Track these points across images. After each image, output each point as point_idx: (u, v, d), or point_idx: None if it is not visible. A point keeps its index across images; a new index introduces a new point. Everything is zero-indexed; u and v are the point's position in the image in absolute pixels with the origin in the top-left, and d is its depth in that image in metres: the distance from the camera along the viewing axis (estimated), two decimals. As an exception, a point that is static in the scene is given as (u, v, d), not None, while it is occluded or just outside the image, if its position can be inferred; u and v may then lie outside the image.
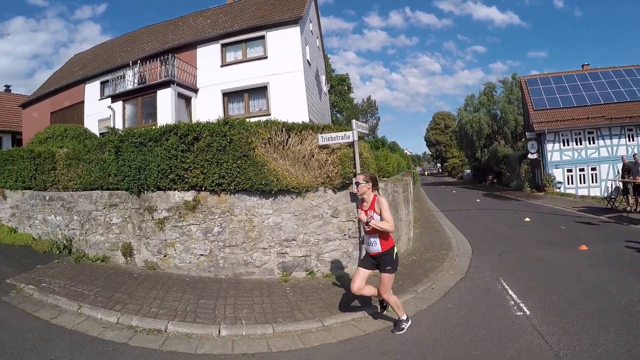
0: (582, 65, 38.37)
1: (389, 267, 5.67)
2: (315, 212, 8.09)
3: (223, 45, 21.48)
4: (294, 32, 19.91)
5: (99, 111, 23.81)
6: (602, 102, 32.52)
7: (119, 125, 20.50)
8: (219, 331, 5.70)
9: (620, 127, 31.23)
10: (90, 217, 9.64)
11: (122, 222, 9.14)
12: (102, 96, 24.55)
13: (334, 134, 8.11)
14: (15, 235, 11.46)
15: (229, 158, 7.89)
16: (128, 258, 9.01)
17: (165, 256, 8.57)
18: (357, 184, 5.90)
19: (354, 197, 8.05)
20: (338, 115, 51.03)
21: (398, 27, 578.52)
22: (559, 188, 31.66)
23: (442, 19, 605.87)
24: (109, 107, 21.67)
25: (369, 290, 5.93)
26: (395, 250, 5.74)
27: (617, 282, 7.47)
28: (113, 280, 7.89)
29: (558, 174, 32.36)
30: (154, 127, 8.90)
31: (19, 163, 11.71)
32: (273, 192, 7.87)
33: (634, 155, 17.58)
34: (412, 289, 7.38)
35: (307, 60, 21.15)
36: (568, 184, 32.26)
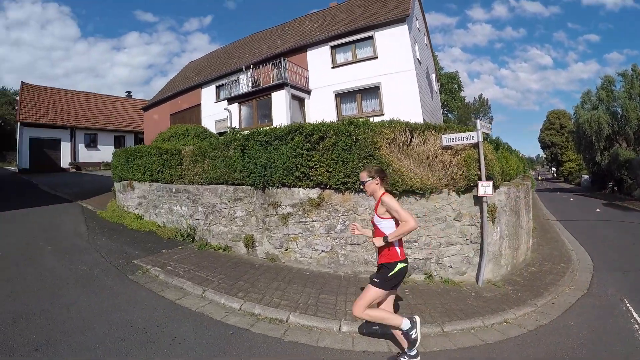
0: None
1: (376, 280, 4.70)
2: (439, 214, 7.91)
3: (332, 47, 21.77)
4: (402, 30, 19.68)
5: (215, 112, 25.21)
6: None
7: (235, 125, 21.48)
8: (340, 327, 5.74)
9: None
10: (214, 209, 10.22)
11: (245, 215, 9.56)
12: (218, 99, 25.97)
13: (457, 135, 7.88)
14: (142, 221, 12.53)
15: (355, 157, 7.94)
16: (250, 249, 9.42)
17: (286, 250, 8.84)
18: (363, 182, 4.91)
19: (477, 201, 7.79)
20: (449, 115, 49.43)
21: (503, 18, 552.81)
22: None
23: (549, 7, 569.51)
24: (226, 108, 22.79)
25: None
26: (399, 267, 4.67)
27: None
28: (235, 269, 8.29)
29: None
30: (279, 127, 9.18)
31: (147, 158, 12.77)
32: (397, 192, 7.79)
33: None
34: (532, 301, 7.00)
35: (417, 58, 20.82)
36: None
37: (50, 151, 35.15)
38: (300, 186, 8.64)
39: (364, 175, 4.89)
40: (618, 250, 12.18)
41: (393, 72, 19.48)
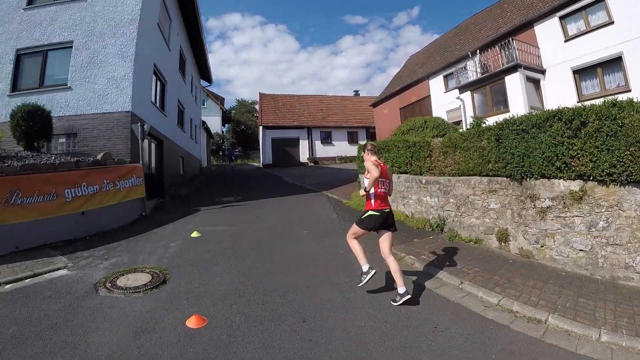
0: None
1: (358, 219, 6.74)
2: None
3: (560, 18, 19.74)
4: (635, -16, 16.57)
5: (445, 103, 25.29)
6: None
7: (469, 114, 21.22)
8: (599, 335, 5.25)
9: None
10: (467, 200, 10.22)
11: (500, 207, 9.34)
12: (447, 89, 25.99)
13: None
14: None
15: (621, 144, 7.05)
16: (502, 243, 9.20)
17: (542, 246, 8.37)
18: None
19: None
20: None
21: None
22: None
23: None
24: (458, 97, 22.66)
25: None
26: (369, 214, 6.47)
27: None
28: (488, 263, 8.18)
29: None
30: (536, 114, 8.67)
31: (395, 151, 13.41)
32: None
33: None
34: None
35: (660, 14, 17.52)
36: None
37: (289, 148, 39.94)
38: (560, 177, 8.06)
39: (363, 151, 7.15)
40: None
41: (633, 38, 16.67)
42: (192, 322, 5.48)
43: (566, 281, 7.23)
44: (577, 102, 17.83)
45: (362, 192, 6.59)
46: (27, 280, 7.60)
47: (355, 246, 6.68)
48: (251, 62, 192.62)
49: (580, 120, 7.67)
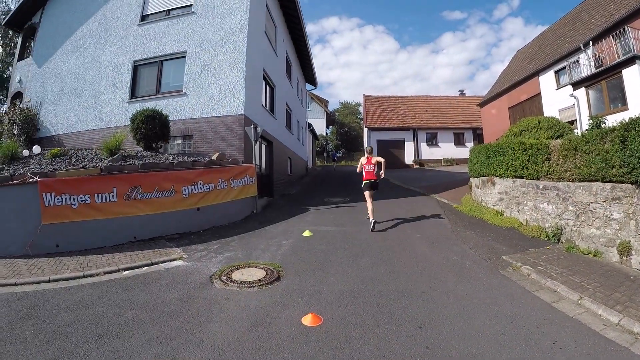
0: None
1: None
2: None
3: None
4: None
5: (558, 100, 23.99)
6: None
7: (584, 112, 19.98)
8: None
9: None
10: (587, 209, 9.55)
11: (623, 217, 8.61)
12: (559, 85, 24.63)
13: None
14: (502, 217, 12.85)
15: None
16: (623, 257, 8.47)
17: None
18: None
19: None
20: None
21: None
22: None
23: None
24: (572, 95, 21.38)
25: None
26: (364, 183, 12.67)
27: None
28: (609, 278, 7.61)
29: None
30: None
31: (510, 154, 12.89)
32: None
33: None
34: None
35: None
36: None
37: (394, 150, 40.30)
38: None
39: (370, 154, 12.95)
40: None
41: None
42: (308, 320, 5.62)
43: None
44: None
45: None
46: (144, 268, 8.37)
47: (368, 202, 12.31)
48: (351, 64, 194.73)
49: None
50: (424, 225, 12.48)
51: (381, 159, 12.73)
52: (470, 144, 37.72)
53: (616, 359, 5.01)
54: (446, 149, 42.15)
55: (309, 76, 35.97)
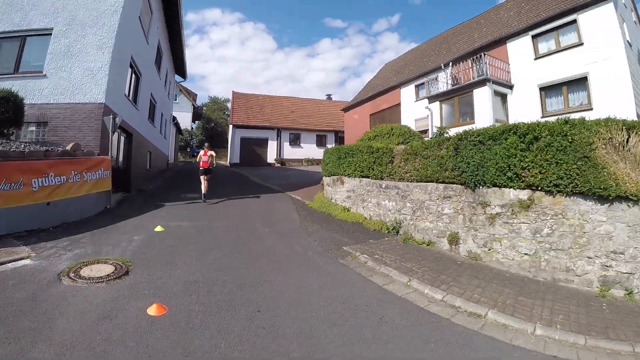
0: None
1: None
2: (651, 225, 7.25)
3: (533, 37, 20.49)
4: (607, 10, 17.48)
5: (415, 112, 25.96)
6: None
7: (436, 124, 21.81)
8: (534, 329, 5.84)
9: None
10: (422, 205, 10.82)
11: (453, 213, 9.95)
12: (417, 98, 26.64)
13: (686, 133, 7.23)
14: (349, 213, 13.93)
15: (569, 159, 7.76)
16: (452, 246, 9.80)
17: (489, 250, 9.00)
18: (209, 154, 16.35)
19: None
20: None
21: None
22: None
23: None
24: (427, 107, 23.28)
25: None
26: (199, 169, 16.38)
27: None
28: (438, 263, 8.79)
29: None
30: (493, 127, 9.37)
31: (359, 156, 14.01)
32: (610, 197, 7.41)
33: None
34: None
35: (627, 40, 18.26)
36: None
37: (257, 148, 40.32)
38: (511, 187, 8.72)
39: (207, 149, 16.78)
40: None
41: (600, 60, 17.44)
42: (152, 310, 5.70)
43: (509, 282, 7.86)
44: (541, 117, 18.65)
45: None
46: (-11, 269, 7.73)
47: (203, 184, 15.97)
48: (227, 59, 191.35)
49: (533, 135, 8.35)
50: (276, 220, 12.95)
51: (213, 153, 16.98)
52: (331, 146, 38.85)
53: (436, 328, 5.85)
54: (308, 150, 43.23)
55: (180, 67, 34.33)
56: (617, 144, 7.57)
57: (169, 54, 30.19)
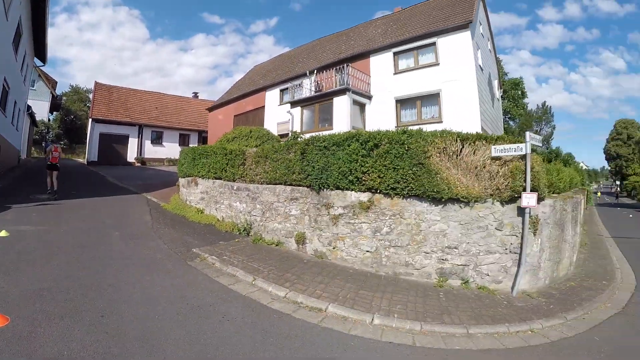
0: None
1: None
2: (481, 223, 8.19)
3: (395, 54, 21.92)
4: (464, 37, 19.54)
5: (278, 115, 26.16)
6: None
7: (296, 128, 22.19)
8: (372, 319, 6.30)
9: None
10: (271, 207, 11.01)
11: (300, 214, 10.25)
12: (281, 102, 26.90)
13: (507, 146, 8.11)
14: (202, 215, 13.70)
15: (405, 165, 8.39)
16: (300, 246, 10.11)
17: (334, 248, 9.44)
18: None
19: (520, 212, 8.00)
20: (510, 122, 48.94)
21: (576, 18, 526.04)
22: None
23: (624, 5, 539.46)
24: (288, 112, 23.59)
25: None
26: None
27: None
28: (285, 263, 9.03)
29: None
30: (337, 134, 9.78)
31: (213, 157, 13.84)
32: (443, 199, 8.18)
33: None
34: (562, 315, 7.11)
35: (479, 65, 20.62)
36: None
37: (118, 146, 37.58)
38: (352, 189, 9.21)
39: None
40: None
41: (453, 80, 19.34)
42: None
43: (352, 277, 8.34)
44: (396, 126, 19.87)
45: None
46: None
47: (51, 177, 15.45)
48: (95, 44, 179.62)
49: (374, 142, 8.90)
50: (127, 223, 12.33)
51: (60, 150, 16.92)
52: (194, 146, 37.73)
53: (277, 323, 6.03)
54: (170, 149, 40.79)
55: (40, 50, 29.55)
56: (451, 153, 8.35)
57: (30, 33, 26.31)
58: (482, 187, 8.13)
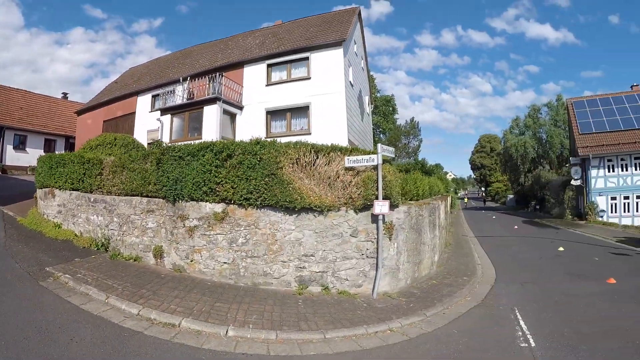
0: (632, 86, 36.14)
1: None
2: (335, 230, 8.44)
3: (269, 66, 22.03)
4: (337, 54, 20.19)
5: (149, 122, 25.00)
6: (652, 125, 30.57)
7: (166, 137, 21.42)
8: (227, 332, 6.25)
9: (671, 152, 29.27)
10: (128, 220, 10.44)
11: (156, 227, 9.86)
12: (153, 108, 25.81)
13: (360, 157, 8.46)
14: (60, 230, 12.53)
15: (258, 175, 8.42)
16: (158, 260, 9.72)
17: (192, 261, 9.20)
18: None
19: (374, 219, 8.35)
20: (381, 136, 51.64)
21: (450, 46, 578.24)
22: (601, 217, 30.11)
23: (495, 37, 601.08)
24: (158, 119, 22.72)
25: None
26: None
27: (637, 320, 7.31)
28: (141, 278, 8.65)
29: (601, 202, 30.66)
30: (192, 143, 9.60)
31: (70, 166, 12.73)
32: (296, 209, 8.31)
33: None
34: (421, 312, 7.54)
35: (350, 81, 21.38)
36: (611, 212, 30.43)
37: None
38: (207, 200, 9.06)
39: None
40: (524, 264, 13.12)
41: (323, 94, 19.88)
42: None
43: (210, 290, 8.18)
44: (266, 137, 19.64)
45: None
46: None
47: None
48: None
49: (227, 153, 8.84)
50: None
51: None
52: (60, 153, 34.45)
53: (128, 342, 5.82)
54: (35, 156, 35.88)
55: None
56: (305, 164, 8.49)
57: None
58: (335, 196, 8.39)
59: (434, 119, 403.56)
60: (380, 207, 8.09)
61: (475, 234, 22.91)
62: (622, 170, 30.38)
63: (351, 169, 8.59)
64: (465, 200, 66.95)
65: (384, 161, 8.68)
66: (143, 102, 27.28)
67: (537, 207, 48.36)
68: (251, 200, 8.54)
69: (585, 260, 13.62)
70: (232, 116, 21.86)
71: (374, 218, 8.38)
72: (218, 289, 8.22)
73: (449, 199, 24.90)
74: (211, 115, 20.33)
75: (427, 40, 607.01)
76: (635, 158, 30.05)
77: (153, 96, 26.48)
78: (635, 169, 30.02)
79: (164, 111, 22.38)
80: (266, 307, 7.37)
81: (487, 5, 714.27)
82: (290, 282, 8.53)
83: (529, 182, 52.54)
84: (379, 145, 8.52)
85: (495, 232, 24.65)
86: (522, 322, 7.26)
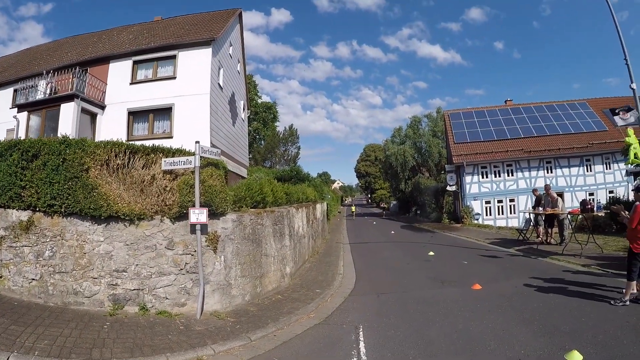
0: (505, 101, 40.70)
1: None
2: (149, 242, 7.82)
3: (135, 62, 21.01)
4: (205, 53, 19.74)
5: (9, 120, 22.86)
6: (523, 136, 34.49)
7: (22, 136, 19.62)
8: (8, 359, 5.48)
9: (539, 160, 33.00)
10: None
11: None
12: (13, 104, 23.58)
13: (177, 159, 8.00)
14: None
15: (61, 178, 7.68)
16: None
17: (1, 277, 8.13)
18: None
19: (193, 229, 7.82)
20: (262, 142, 53.21)
21: (344, 59, 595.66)
22: (476, 219, 32.68)
23: (388, 54, 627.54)
24: (15, 117, 20.77)
25: None
26: None
27: (499, 334, 6.59)
28: None
29: (476, 206, 33.47)
30: (1, 142, 8.61)
31: None
32: (103, 217, 7.65)
33: (545, 186, 17.41)
34: (246, 335, 6.85)
35: (219, 83, 20.95)
36: (486, 215, 33.37)
37: None
38: (14, 207, 8.12)
39: None
40: (389, 271, 13.08)
41: (187, 95, 19.30)
42: None
43: (13, 310, 7.19)
44: (127, 140, 18.57)
45: None
46: None
47: None
48: None
49: (33, 152, 8.00)
50: None
51: None
52: None
53: None
54: None
55: None
56: (116, 166, 7.87)
57: None
58: (147, 204, 7.85)
59: (325, 129, 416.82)
60: (197, 215, 7.59)
61: (350, 240, 23.21)
62: (495, 177, 33.89)
63: (170, 172, 8.09)
64: (353, 209, 67.32)
65: (211, 164, 8.26)
66: (4, 97, 24.84)
67: (418, 212, 51.05)
68: (55, 207, 7.75)
69: (454, 265, 13.76)
70: (93, 116, 20.44)
71: (193, 228, 7.83)
72: (22, 309, 7.28)
73: (322, 205, 25.01)
74: (68, 114, 18.90)
75: (323, 52, 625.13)
76: (507, 165, 33.60)
77: (15, 90, 24.18)
78: (508, 175, 33.62)
79: (20, 107, 20.49)
80: (65, 330, 6.55)
81: (384, 23, 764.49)
82: (103, 302, 7.71)
83: (409, 188, 55.43)
84: (196, 144, 7.99)
85: (371, 238, 25.19)
86: (362, 344, 6.47)
